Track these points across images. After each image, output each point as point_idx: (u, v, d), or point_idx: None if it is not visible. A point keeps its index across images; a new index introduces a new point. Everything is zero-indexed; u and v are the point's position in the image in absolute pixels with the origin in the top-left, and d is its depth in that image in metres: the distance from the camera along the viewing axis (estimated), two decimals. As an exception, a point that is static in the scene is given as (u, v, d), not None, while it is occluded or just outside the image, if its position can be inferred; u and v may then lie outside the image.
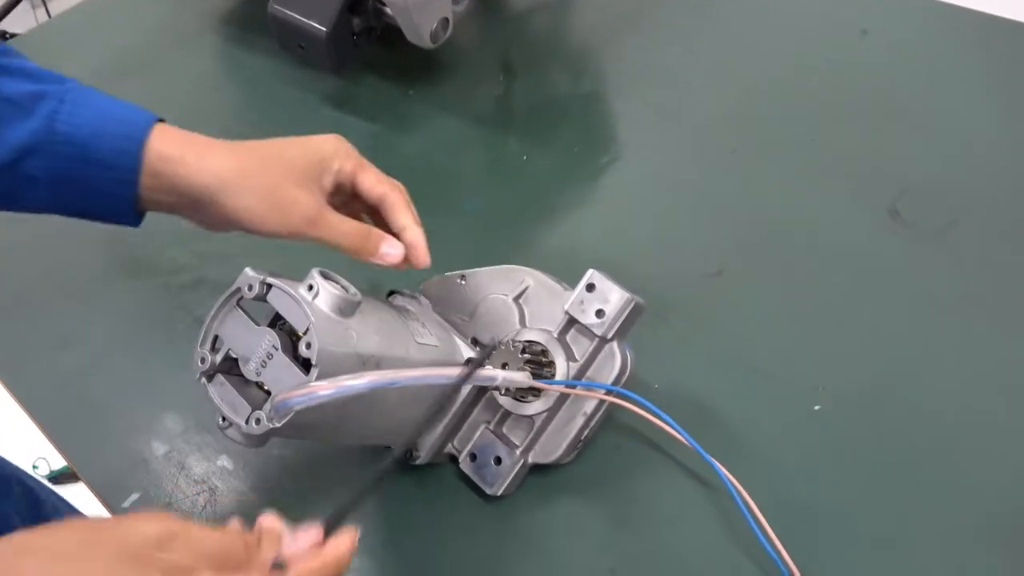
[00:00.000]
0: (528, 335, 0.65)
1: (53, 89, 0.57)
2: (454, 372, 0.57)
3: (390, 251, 0.59)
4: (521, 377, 0.61)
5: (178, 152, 0.56)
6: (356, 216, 0.62)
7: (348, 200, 0.63)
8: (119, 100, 0.58)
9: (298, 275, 0.55)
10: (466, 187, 0.86)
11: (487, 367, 0.61)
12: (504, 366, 0.63)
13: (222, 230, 0.59)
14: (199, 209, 0.58)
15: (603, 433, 0.67)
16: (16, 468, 0.81)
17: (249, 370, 0.53)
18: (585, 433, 0.65)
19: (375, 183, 0.60)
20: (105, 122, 0.56)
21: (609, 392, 0.62)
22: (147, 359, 0.76)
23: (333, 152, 0.59)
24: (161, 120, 0.58)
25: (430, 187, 0.69)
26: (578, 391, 0.63)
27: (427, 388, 0.60)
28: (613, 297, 0.62)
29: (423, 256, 0.60)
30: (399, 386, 0.51)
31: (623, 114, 0.92)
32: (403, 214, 0.60)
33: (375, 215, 0.63)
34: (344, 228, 0.59)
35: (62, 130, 0.56)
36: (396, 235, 0.61)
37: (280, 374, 0.52)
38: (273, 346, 0.53)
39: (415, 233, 0.60)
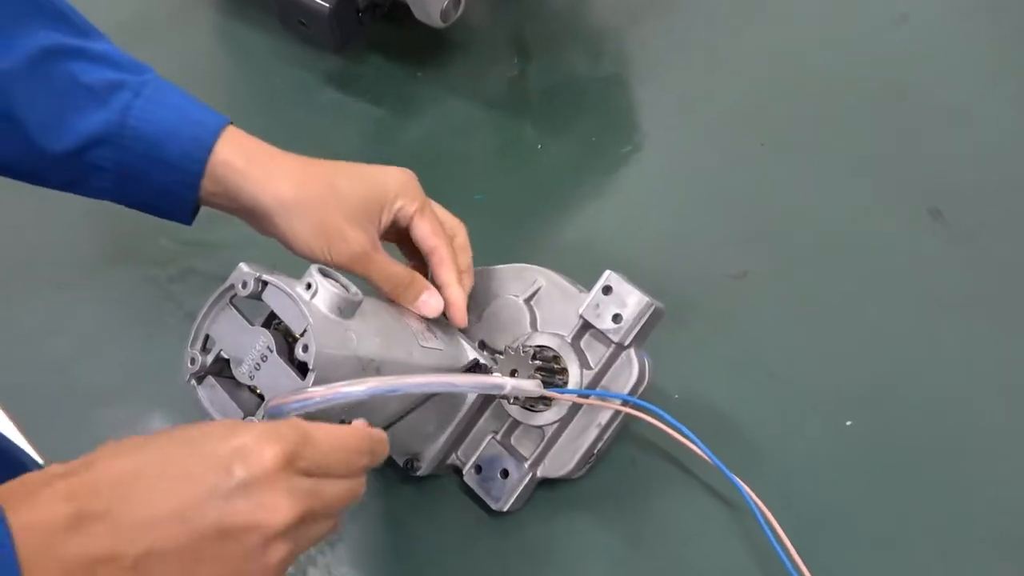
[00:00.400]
0: (539, 340, 0.65)
1: (131, 80, 0.60)
2: (460, 380, 0.57)
3: (429, 301, 0.62)
4: (531, 386, 0.61)
5: (243, 164, 0.59)
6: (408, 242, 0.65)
7: (402, 235, 0.66)
8: (192, 99, 0.61)
9: (296, 271, 0.55)
10: (475, 176, 0.85)
11: (495, 374, 0.62)
12: (513, 373, 0.63)
13: (270, 236, 0.62)
14: (253, 219, 0.62)
15: (618, 446, 0.67)
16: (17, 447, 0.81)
17: (242, 373, 0.53)
18: (599, 446, 0.65)
19: (428, 234, 0.63)
20: (176, 122, 0.60)
21: (625, 403, 0.62)
22: (133, 355, 0.76)
23: (397, 190, 0.62)
24: (231, 123, 0.61)
25: (436, 175, 0.68)
26: (592, 401, 0.63)
27: (432, 395, 0.61)
28: (631, 301, 0.62)
29: (459, 317, 0.63)
30: (400, 393, 0.52)
31: (645, 101, 0.91)
32: (448, 271, 0.63)
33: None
34: (388, 271, 0.61)
35: (133, 124, 0.59)
36: (439, 287, 0.64)
37: (274, 378, 0.52)
38: (268, 348, 0.52)
39: (455, 294, 0.63)
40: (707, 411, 0.68)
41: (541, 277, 0.67)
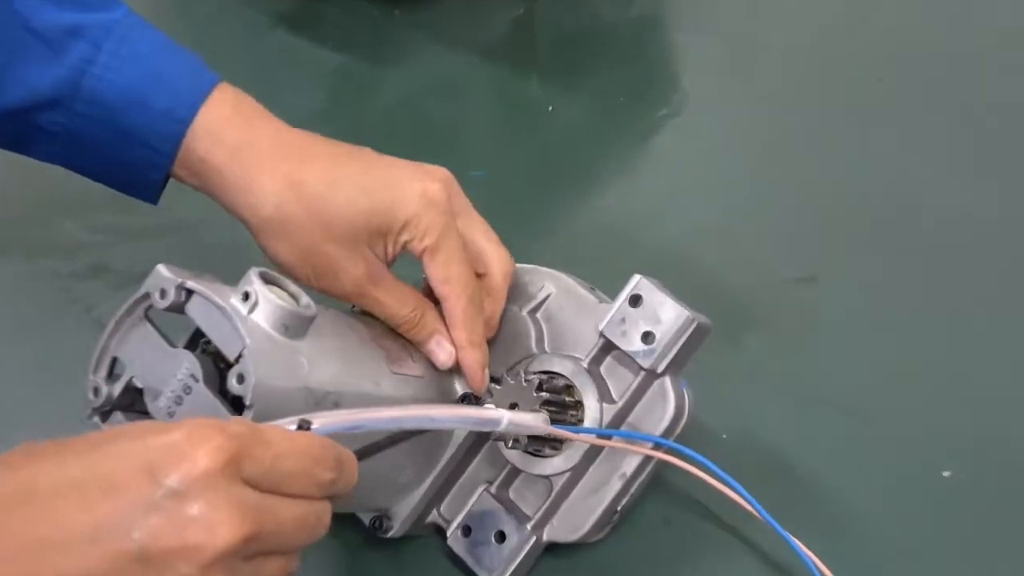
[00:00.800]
0: (547, 364, 0.65)
1: (92, 25, 0.60)
2: (441, 412, 0.58)
3: (437, 351, 0.64)
4: (535, 421, 0.60)
5: (222, 160, 0.60)
6: None
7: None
8: (173, 46, 0.62)
9: (239, 273, 0.55)
10: (469, 147, 0.85)
11: (488, 406, 0.61)
12: (513, 407, 0.62)
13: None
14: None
15: (647, 501, 0.67)
16: None
17: (158, 407, 0.53)
18: (622, 502, 0.64)
19: (439, 281, 0.63)
20: (145, 87, 0.61)
21: (657, 446, 0.62)
22: (26, 369, 0.76)
23: (407, 218, 0.62)
24: (220, 81, 0.62)
25: (419, 144, 0.69)
26: (615, 443, 0.63)
27: (407, 434, 0.61)
28: (667, 315, 0.62)
29: (476, 380, 0.65)
30: (364, 431, 0.52)
31: (689, 50, 0.91)
32: (458, 330, 0.64)
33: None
34: (391, 308, 0.63)
35: (91, 86, 0.60)
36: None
37: (200, 414, 0.52)
38: (192, 376, 0.52)
39: (468, 358, 0.64)
40: (763, 457, 0.68)
41: (551, 282, 0.67)
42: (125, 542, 0.40)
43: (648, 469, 0.64)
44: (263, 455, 0.43)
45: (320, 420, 0.49)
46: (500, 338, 0.67)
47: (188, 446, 0.41)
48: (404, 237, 0.62)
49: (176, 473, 0.41)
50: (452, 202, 0.63)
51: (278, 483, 0.44)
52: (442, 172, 0.64)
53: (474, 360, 0.64)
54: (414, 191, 0.62)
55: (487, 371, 0.65)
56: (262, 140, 0.62)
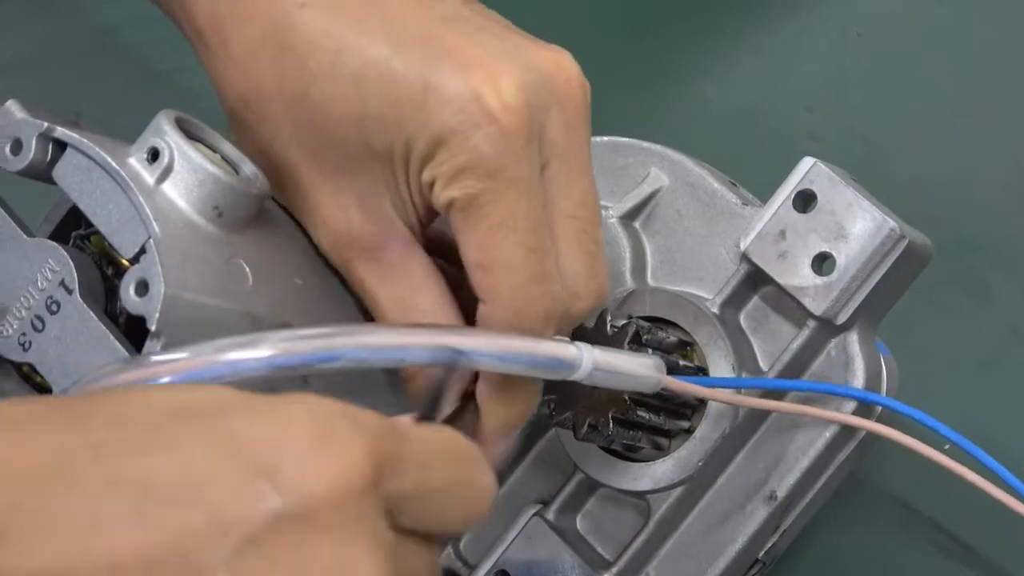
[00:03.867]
0: (651, 304, 0.55)
1: None
2: (475, 342, 0.46)
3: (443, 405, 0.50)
4: (639, 368, 0.49)
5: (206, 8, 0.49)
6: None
7: None
8: None
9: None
10: None
11: (559, 339, 0.48)
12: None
13: None
14: None
15: (816, 535, 0.58)
16: None
17: (5, 336, 0.46)
18: (770, 543, 0.54)
19: (475, 263, 0.48)
20: None
21: (864, 409, 0.53)
22: None
23: (437, 136, 0.46)
24: None
25: None
26: (788, 407, 0.53)
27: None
28: (858, 226, 0.52)
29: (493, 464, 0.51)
30: (339, 368, 0.43)
31: None
32: (490, 414, 0.50)
33: None
34: (380, 306, 0.50)
35: None
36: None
37: (73, 345, 0.46)
38: (62, 283, 0.46)
39: (491, 450, 0.50)
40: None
41: (664, 168, 0.57)
42: None
43: (826, 476, 0.54)
44: (411, 458, 0.36)
45: (277, 346, 0.42)
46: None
47: (310, 449, 0.34)
48: (427, 175, 0.46)
49: (290, 491, 0.33)
50: (544, 132, 0.47)
51: (425, 509, 0.37)
52: (548, 66, 0.47)
53: (504, 448, 0.52)
54: (460, 93, 0.45)
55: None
56: None
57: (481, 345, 0.45)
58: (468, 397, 0.54)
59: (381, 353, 0.43)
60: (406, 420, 0.39)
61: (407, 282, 0.50)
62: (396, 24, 0.48)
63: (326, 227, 0.49)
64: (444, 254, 0.53)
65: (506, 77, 0.46)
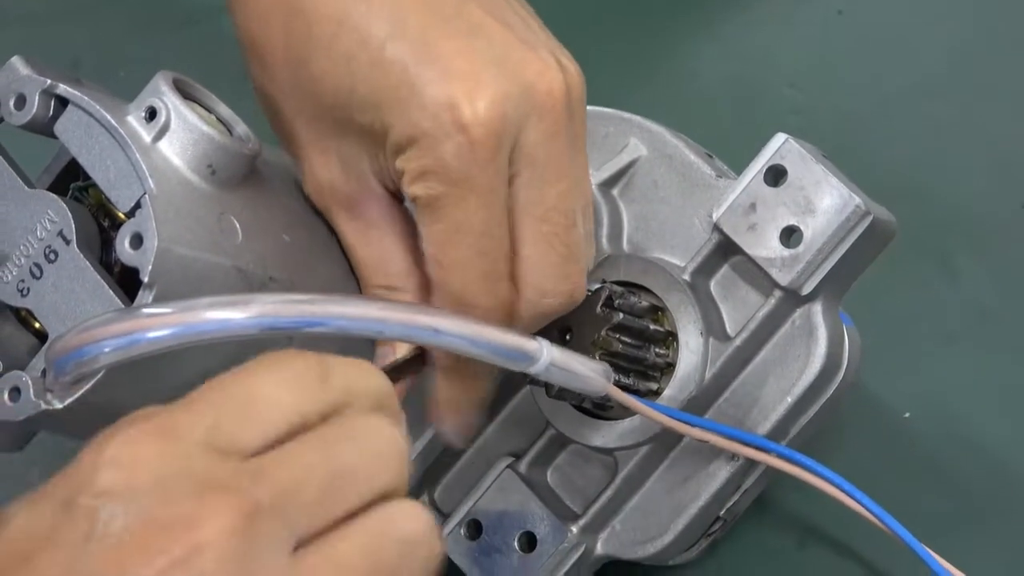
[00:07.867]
0: (625, 269, 0.57)
1: None
2: (445, 323, 0.48)
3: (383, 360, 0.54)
4: (587, 371, 0.50)
5: None
6: None
7: None
8: None
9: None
10: None
11: (524, 335, 0.50)
12: (565, 333, 0.54)
13: None
14: None
15: (773, 508, 0.60)
16: None
17: (5, 282, 0.48)
18: (730, 503, 0.56)
19: (433, 259, 0.51)
20: None
21: (770, 453, 0.54)
22: None
23: (409, 134, 0.48)
24: None
25: None
26: (701, 435, 0.53)
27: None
28: (825, 200, 0.54)
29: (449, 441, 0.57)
30: (324, 333, 0.44)
31: None
32: (441, 388, 0.53)
33: None
34: (357, 256, 0.54)
35: None
36: None
37: (70, 294, 0.47)
38: (60, 234, 0.47)
39: (446, 421, 0.54)
40: (964, 450, 0.61)
41: (642, 139, 0.59)
42: None
43: (787, 439, 0.56)
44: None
45: (265, 306, 0.43)
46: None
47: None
48: (399, 164, 0.49)
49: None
50: (520, 140, 0.49)
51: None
52: (531, 75, 0.49)
53: (451, 424, 0.54)
54: (436, 99, 0.48)
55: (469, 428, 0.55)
56: None
57: (454, 328, 0.47)
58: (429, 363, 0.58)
59: (363, 324, 0.45)
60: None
61: (381, 243, 0.53)
62: (400, 13, 0.49)
63: (312, 177, 0.52)
64: None
65: (485, 89, 0.48)
